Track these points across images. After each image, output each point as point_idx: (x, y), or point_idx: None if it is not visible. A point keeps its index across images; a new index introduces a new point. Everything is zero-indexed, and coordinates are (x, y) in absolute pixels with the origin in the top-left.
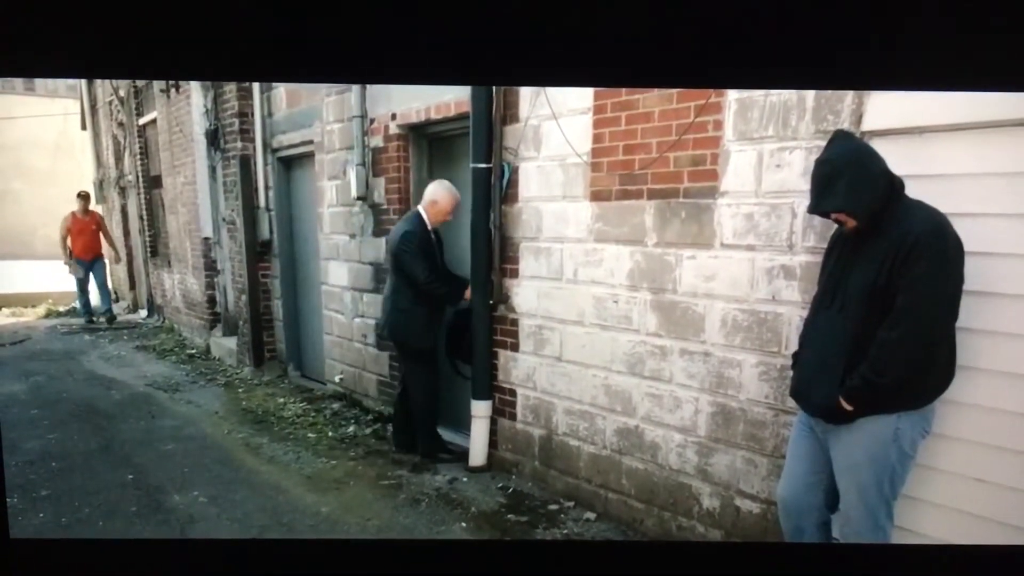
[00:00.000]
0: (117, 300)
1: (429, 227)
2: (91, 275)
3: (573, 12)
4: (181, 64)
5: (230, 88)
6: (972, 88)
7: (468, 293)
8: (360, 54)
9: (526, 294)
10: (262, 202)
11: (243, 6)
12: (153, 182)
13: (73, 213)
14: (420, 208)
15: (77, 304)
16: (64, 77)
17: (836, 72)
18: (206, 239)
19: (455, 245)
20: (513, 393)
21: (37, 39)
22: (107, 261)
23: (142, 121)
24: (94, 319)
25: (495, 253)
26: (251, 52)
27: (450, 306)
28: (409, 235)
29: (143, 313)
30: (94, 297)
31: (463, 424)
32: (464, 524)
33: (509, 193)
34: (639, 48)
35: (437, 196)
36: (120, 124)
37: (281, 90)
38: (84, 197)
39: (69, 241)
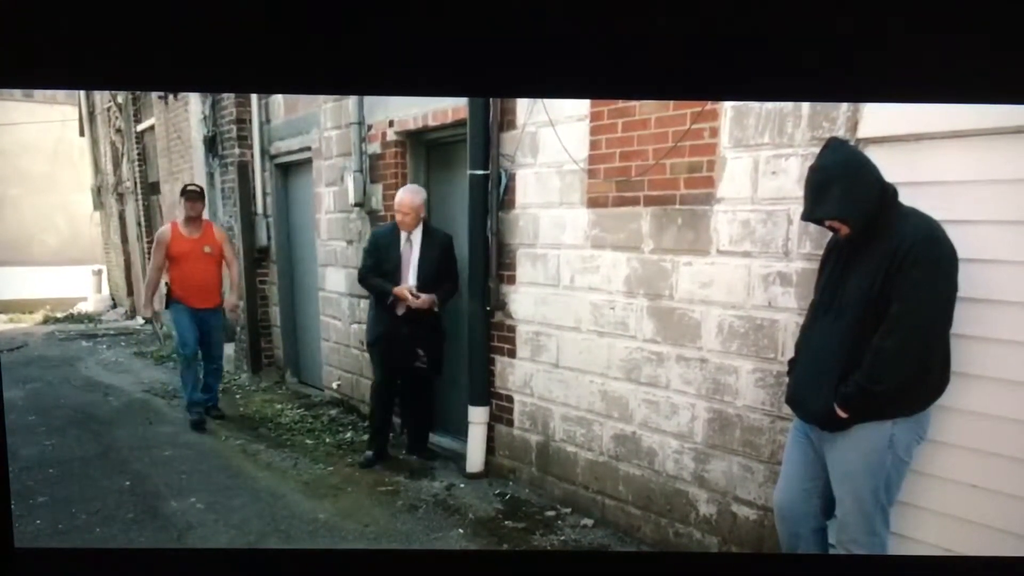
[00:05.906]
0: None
1: (402, 232)
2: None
3: (570, 25)
4: (181, 75)
5: (228, 95)
6: (972, 101)
7: (417, 301)
8: (359, 66)
9: (523, 300)
10: (260, 208)
11: (244, 18)
12: (151, 188)
13: (174, 224)
14: None
15: (183, 391)
16: (60, 88)
17: (834, 85)
18: None
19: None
20: (510, 399)
21: (33, 52)
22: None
23: (140, 127)
24: (205, 413)
25: (492, 259)
26: (251, 63)
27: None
28: (371, 234)
29: (140, 320)
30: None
31: (460, 430)
32: (461, 530)
33: (506, 200)
34: (637, 60)
35: (396, 200)
36: (118, 130)
37: (279, 97)
38: (195, 196)
39: (164, 273)
